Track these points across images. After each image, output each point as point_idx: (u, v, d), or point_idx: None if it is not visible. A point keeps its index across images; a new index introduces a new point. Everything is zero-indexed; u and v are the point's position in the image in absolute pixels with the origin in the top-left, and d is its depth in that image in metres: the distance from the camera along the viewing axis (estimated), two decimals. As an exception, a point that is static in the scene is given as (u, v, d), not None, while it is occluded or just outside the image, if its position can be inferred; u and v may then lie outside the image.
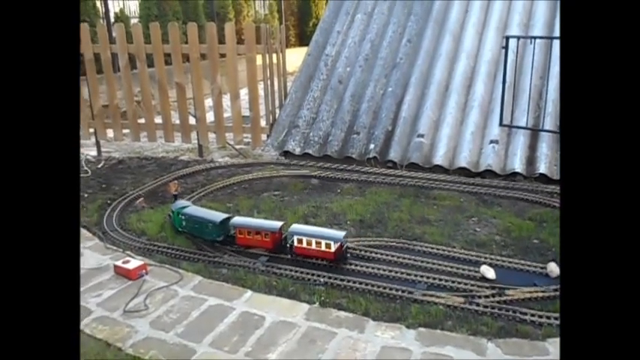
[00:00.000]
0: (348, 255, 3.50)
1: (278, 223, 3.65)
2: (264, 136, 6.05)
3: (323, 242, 3.40)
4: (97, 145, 6.46)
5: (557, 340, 2.59)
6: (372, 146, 5.57)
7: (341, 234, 3.45)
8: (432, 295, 3.01)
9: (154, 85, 6.47)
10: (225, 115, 6.59)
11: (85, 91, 6.01)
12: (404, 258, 3.45)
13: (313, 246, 3.43)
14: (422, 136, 5.47)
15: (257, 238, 3.61)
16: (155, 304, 3.04)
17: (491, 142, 5.23)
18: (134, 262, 3.39)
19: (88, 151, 6.44)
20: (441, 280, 3.17)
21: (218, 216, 3.78)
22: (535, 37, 5.36)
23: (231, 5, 13.28)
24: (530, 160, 5.06)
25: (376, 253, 3.53)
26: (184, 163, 5.93)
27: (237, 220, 3.75)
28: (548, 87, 5.28)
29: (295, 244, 3.49)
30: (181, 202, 4.10)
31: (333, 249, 3.38)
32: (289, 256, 3.52)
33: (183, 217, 3.89)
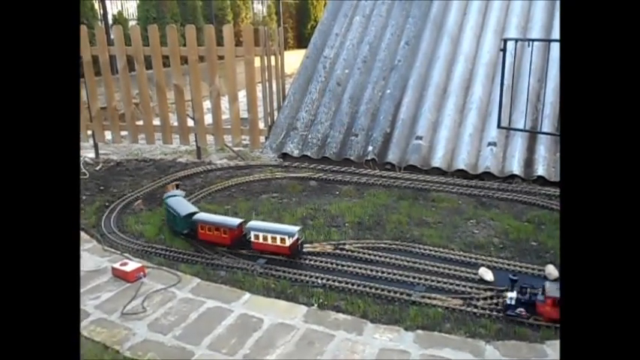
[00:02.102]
0: (304, 250, 3.59)
1: (237, 221, 3.72)
2: (262, 138, 6.05)
3: (278, 237, 3.51)
4: (95, 147, 6.45)
5: (556, 342, 2.60)
6: (370, 148, 5.57)
7: (295, 229, 3.56)
8: (430, 298, 3.02)
9: (152, 87, 6.47)
10: (224, 117, 6.60)
11: (83, 94, 6.00)
12: (402, 260, 3.45)
13: (269, 241, 3.53)
14: (420, 138, 5.47)
15: (216, 234, 3.70)
16: (153, 306, 3.03)
17: (490, 144, 5.24)
18: (132, 265, 3.38)
19: (86, 153, 6.43)
20: (439, 282, 3.17)
21: (186, 209, 3.88)
22: (533, 40, 5.38)
23: (230, 7, 13.28)
24: (528, 162, 5.06)
25: (374, 255, 3.52)
26: (182, 165, 5.93)
27: (200, 215, 3.84)
28: (546, 89, 5.29)
29: (252, 239, 3.59)
30: (173, 192, 4.23)
31: (287, 243, 3.48)
32: (247, 251, 3.62)
33: (165, 206, 4.04)
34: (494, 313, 2.84)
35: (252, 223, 3.68)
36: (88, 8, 9.19)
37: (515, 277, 2.89)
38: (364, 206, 4.41)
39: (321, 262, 3.46)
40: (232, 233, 3.66)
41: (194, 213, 3.85)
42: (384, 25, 6.53)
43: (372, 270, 3.33)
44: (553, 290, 2.76)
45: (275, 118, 6.15)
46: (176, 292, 3.19)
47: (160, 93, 6.12)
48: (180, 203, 4.03)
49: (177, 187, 4.46)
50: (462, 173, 5.13)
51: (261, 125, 6.08)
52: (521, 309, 2.80)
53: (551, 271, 3.23)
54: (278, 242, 3.51)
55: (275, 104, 6.15)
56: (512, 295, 2.83)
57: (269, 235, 3.54)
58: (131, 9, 11.58)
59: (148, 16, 10.46)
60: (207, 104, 6.67)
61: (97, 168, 5.93)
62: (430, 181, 4.96)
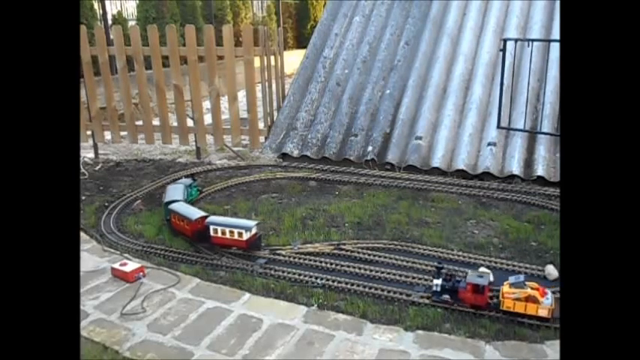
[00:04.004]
0: (263, 244, 3.69)
1: (197, 215, 3.78)
2: (262, 139, 6.04)
3: (236, 231, 3.56)
4: (95, 147, 6.45)
5: (555, 342, 2.60)
6: (370, 148, 5.57)
7: (252, 223, 3.63)
8: (429, 298, 3.01)
9: (151, 87, 6.47)
10: (223, 117, 6.60)
11: (82, 94, 5.99)
12: (402, 260, 3.44)
13: (227, 235, 3.59)
14: (420, 138, 5.47)
15: (182, 224, 3.82)
16: (152, 306, 3.03)
17: (489, 144, 5.24)
18: (131, 265, 3.38)
19: (85, 153, 6.43)
20: (439, 282, 3.16)
21: (170, 197, 4.10)
22: (532, 40, 5.38)
23: (229, 7, 13.27)
24: (528, 162, 5.06)
25: (374, 256, 3.52)
26: (182, 165, 5.93)
27: (174, 205, 3.96)
28: (545, 89, 5.28)
29: (212, 233, 3.64)
30: (182, 180, 4.59)
31: (245, 237, 3.54)
32: (207, 245, 3.70)
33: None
34: (495, 313, 2.84)
35: (212, 218, 3.74)
36: (87, 8, 9.18)
37: (440, 265, 3.00)
38: (364, 206, 4.40)
39: (321, 262, 3.46)
40: (192, 226, 3.73)
41: (173, 201, 4.00)
42: (383, 25, 6.53)
43: (371, 270, 3.33)
44: (473, 277, 2.86)
45: (274, 118, 6.15)
46: (176, 292, 3.18)
47: (159, 93, 6.11)
48: (173, 191, 4.22)
49: (192, 176, 4.73)
50: (461, 173, 5.13)
51: (261, 125, 6.08)
52: (447, 295, 2.91)
53: (551, 271, 3.23)
54: (236, 236, 3.57)
55: (275, 104, 6.15)
56: (437, 282, 2.92)
57: (227, 230, 3.60)
58: (130, 9, 11.58)
59: (148, 16, 10.44)
60: (206, 104, 6.66)
61: (97, 168, 5.93)
62: (430, 181, 4.96)
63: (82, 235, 4.02)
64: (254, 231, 3.62)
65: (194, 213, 3.80)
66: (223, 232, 3.61)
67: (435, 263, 3.06)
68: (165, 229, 4.04)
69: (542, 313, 2.73)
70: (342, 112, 5.93)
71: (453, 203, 4.48)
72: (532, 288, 2.78)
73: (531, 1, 6.18)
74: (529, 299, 2.74)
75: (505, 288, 2.82)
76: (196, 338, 2.72)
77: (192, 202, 4.60)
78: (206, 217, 3.75)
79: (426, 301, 2.97)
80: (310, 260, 3.49)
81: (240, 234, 3.56)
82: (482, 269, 3.25)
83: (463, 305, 2.87)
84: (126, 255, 3.67)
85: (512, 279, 2.86)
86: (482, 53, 5.90)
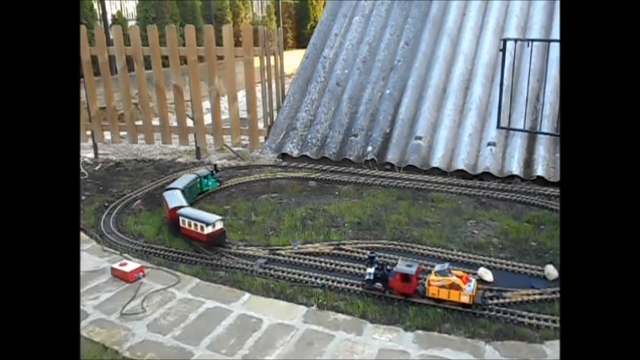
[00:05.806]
0: (227, 240, 3.75)
1: (175, 203, 3.90)
2: (261, 139, 6.04)
3: (199, 225, 3.62)
4: (95, 147, 6.44)
5: (555, 342, 2.60)
6: (369, 148, 5.57)
7: (215, 218, 3.66)
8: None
9: (151, 87, 6.47)
10: (223, 117, 6.59)
11: (82, 94, 5.99)
12: (402, 260, 3.44)
13: (193, 228, 3.69)
14: (420, 138, 5.47)
15: (167, 211, 3.97)
16: (152, 306, 3.03)
17: (489, 144, 5.24)
18: (131, 265, 3.38)
19: (85, 153, 6.43)
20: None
21: (172, 185, 4.39)
22: (532, 40, 5.38)
23: (229, 7, 13.27)
24: (528, 162, 5.06)
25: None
26: (182, 165, 5.93)
27: (165, 193, 4.16)
28: (545, 89, 5.28)
29: (181, 224, 3.74)
30: (200, 171, 4.85)
31: (206, 232, 3.58)
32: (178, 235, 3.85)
33: None
34: (494, 313, 2.84)
35: (183, 209, 3.80)
36: (87, 8, 9.17)
37: (372, 254, 3.10)
38: (363, 206, 4.40)
39: (321, 262, 3.46)
40: (169, 214, 3.87)
41: (168, 189, 4.19)
42: (383, 25, 6.53)
43: (371, 270, 3.33)
44: (402, 267, 2.98)
45: (274, 118, 6.15)
46: (175, 292, 3.19)
47: (159, 93, 6.11)
48: (179, 180, 4.42)
49: (214, 166, 5.03)
50: (461, 173, 5.13)
51: (261, 125, 6.08)
52: (379, 283, 3.01)
53: (551, 271, 3.24)
54: (199, 230, 3.62)
55: (274, 104, 6.15)
56: (370, 271, 3.03)
57: (192, 222, 3.66)
58: (130, 9, 11.58)
59: (147, 16, 10.44)
60: (206, 104, 6.66)
61: (96, 168, 5.93)
62: (429, 182, 4.96)
63: (82, 235, 4.02)
64: (218, 226, 3.64)
65: (173, 202, 3.91)
66: (190, 224, 3.68)
67: (368, 253, 3.17)
68: (165, 229, 4.04)
69: (464, 299, 2.84)
70: (342, 112, 5.93)
71: (453, 203, 4.48)
72: (457, 276, 2.87)
73: (531, 1, 6.18)
74: (452, 286, 2.84)
75: (431, 276, 2.91)
76: (196, 338, 2.72)
77: (205, 193, 4.81)
78: (181, 207, 3.84)
79: (421, 302, 2.97)
80: (310, 260, 3.50)
81: (202, 228, 3.60)
82: (482, 269, 3.25)
83: (393, 293, 2.97)
84: (126, 255, 3.67)
85: (438, 267, 2.97)
86: (482, 53, 5.90)
